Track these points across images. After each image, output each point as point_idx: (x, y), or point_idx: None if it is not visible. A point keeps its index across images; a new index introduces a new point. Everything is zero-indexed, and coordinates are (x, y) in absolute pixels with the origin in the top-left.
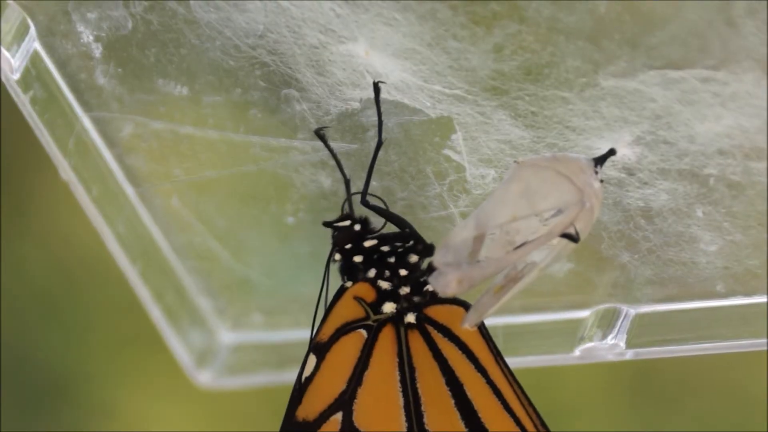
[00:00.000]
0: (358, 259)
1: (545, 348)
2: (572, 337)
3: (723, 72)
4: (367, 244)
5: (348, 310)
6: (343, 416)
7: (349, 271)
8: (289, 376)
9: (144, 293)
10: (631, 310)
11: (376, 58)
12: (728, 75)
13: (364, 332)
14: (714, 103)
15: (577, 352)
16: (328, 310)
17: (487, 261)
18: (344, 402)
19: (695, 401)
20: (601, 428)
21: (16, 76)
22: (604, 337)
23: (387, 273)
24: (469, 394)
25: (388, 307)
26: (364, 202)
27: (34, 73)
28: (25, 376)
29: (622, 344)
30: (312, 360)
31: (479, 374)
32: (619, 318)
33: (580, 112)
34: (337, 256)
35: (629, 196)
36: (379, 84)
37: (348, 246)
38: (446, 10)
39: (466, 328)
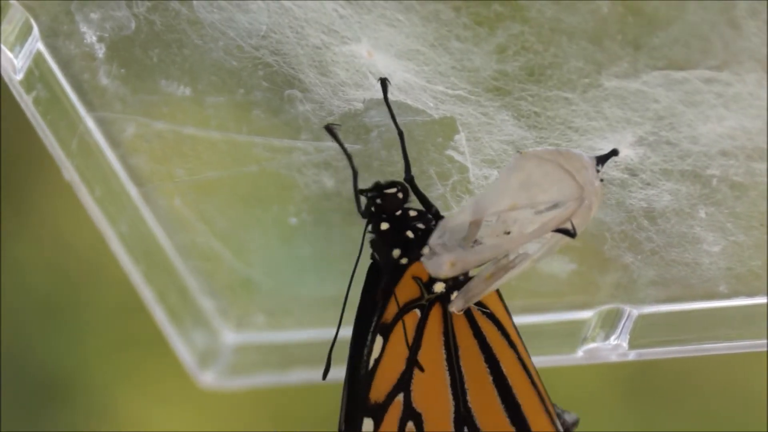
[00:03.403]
0: (410, 234)
1: (548, 349)
2: (575, 338)
3: (726, 73)
4: (412, 213)
5: (408, 290)
6: (404, 398)
7: (401, 246)
8: (292, 377)
9: (147, 294)
10: (634, 311)
11: (379, 59)
12: (731, 76)
13: (418, 312)
14: (717, 104)
15: (580, 353)
16: (374, 290)
17: (482, 246)
18: (404, 383)
19: (695, 401)
20: (600, 428)
21: (19, 77)
22: (607, 337)
23: None
24: (505, 370)
25: (439, 287)
26: (408, 179)
27: (37, 74)
28: (25, 377)
29: (625, 345)
30: (379, 341)
31: (512, 351)
32: (622, 319)
33: (583, 112)
34: (384, 225)
35: (632, 197)
36: (386, 80)
37: (397, 213)
38: (449, 11)
39: (452, 311)
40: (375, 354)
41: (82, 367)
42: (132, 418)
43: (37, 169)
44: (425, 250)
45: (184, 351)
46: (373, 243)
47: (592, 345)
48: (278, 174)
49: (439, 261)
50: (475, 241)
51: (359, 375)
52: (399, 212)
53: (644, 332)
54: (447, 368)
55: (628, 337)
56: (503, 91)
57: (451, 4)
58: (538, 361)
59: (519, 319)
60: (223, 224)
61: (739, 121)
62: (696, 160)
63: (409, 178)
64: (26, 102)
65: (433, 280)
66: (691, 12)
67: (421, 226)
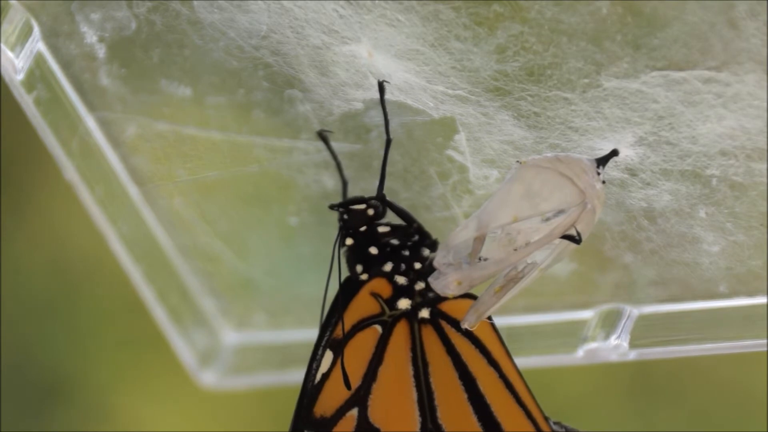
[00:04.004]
0: (373, 251)
1: (549, 348)
2: (575, 338)
3: (725, 73)
4: (381, 229)
5: (364, 306)
6: (359, 412)
7: (363, 262)
8: (293, 377)
9: (147, 293)
10: (635, 311)
11: (379, 59)
12: (730, 76)
13: (379, 328)
14: (716, 104)
15: (580, 353)
16: (338, 304)
17: (487, 262)
18: (359, 398)
19: (695, 401)
20: (600, 428)
21: (20, 77)
22: (608, 337)
23: (402, 267)
24: (481, 388)
25: (404, 303)
26: (380, 197)
27: (37, 74)
28: (25, 377)
29: (626, 345)
30: (328, 356)
31: (492, 368)
32: (623, 318)
33: (583, 112)
34: (349, 241)
35: (632, 197)
36: (384, 83)
37: (362, 228)
38: (449, 12)
39: (466, 327)
40: (324, 369)
41: (81, 366)
42: (132, 418)
43: (37, 169)
44: (387, 266)
45: (184, 351)
46: (345, 255)
47: (592, 345)
48: (278, 174)
49: (446, 281)
50: (480, 257)
51: (306, 388)
52: (363, 228)
53: (644, 332)
54: (414, 384)
55: (628, 336)
56: (503, 91)
57: (450, 4)
58: (538, 361)
59: (519, 319)
60: (223, 224)
61: (738, 121)
62: (696, 160)
63: (381, 196)
64: (27, 102)
65: (396, 297)
66: (691, 12)
67: (394, 242)
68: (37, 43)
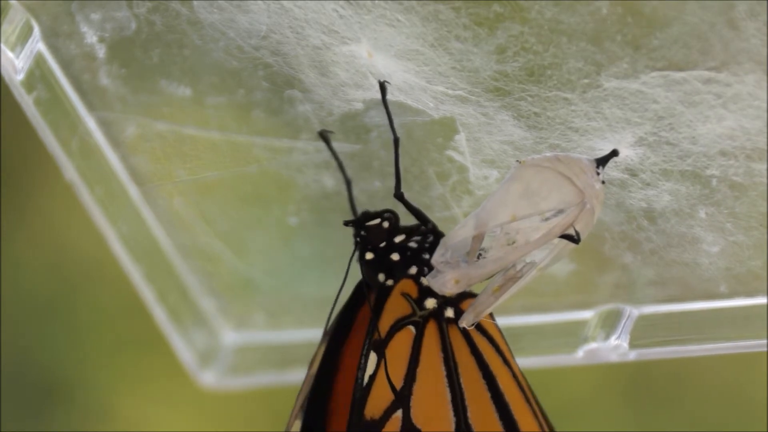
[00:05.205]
0: (395, 257)
1: (548, 349)
2: (575, 338)
3: (725, 73)
4: (398, 240)
5: (397, 308)
6: (403, 413)
7: (386, 270)
8: (293, 377)
9: (147, 294)
10: (634, 311)
11: (379, 59)
12: (730, 76)
13: (412, 329)
14: (716, 104)
15: (580, 353)
16: (351, 308)
17: (485, 260)
18: (403, 399)
19: (695, 401)
20: (599, 428)
21: (20, 77)
22: (607, 337)
23: (426, 269)
24: (501, 387)
25: (430, 303)
26: (398, 195)
27: (37, 74)
28: (25, 377)
29: (625, 345)
30: (373, 358)
31: (507, 368)
32: (622, 318)
33: (583, 113)
34: (369, 255)
35: (632, 197)
36: (385, 83)
37: (383, 245)
38: (449, 12)
39: (464, 326)
40: (369, 371)
41: (81, 366)
42: (131, 418)
43: (37, 169)
44: (412, 269)
45: (184, 351)
46: (362, 268)
47: (592, 345)
48: (278, 174)
49: (444, 279)
50: (479, 256)
51: (355, 391)
52: (383, 244)
53: (644, 332)
54: (447, 384)
55: (628, 337)
56: (503, 92)
57: (450, 4)
58: (538, 361)
59: (519, 319)
60: (223, 224)
61: (738, 122)
62: (695, 160)
63: (399, 194)
64: (27, 102)
65: (424, 296)
66: (691, 13)
67: (412, 245)
68: (37, 44)
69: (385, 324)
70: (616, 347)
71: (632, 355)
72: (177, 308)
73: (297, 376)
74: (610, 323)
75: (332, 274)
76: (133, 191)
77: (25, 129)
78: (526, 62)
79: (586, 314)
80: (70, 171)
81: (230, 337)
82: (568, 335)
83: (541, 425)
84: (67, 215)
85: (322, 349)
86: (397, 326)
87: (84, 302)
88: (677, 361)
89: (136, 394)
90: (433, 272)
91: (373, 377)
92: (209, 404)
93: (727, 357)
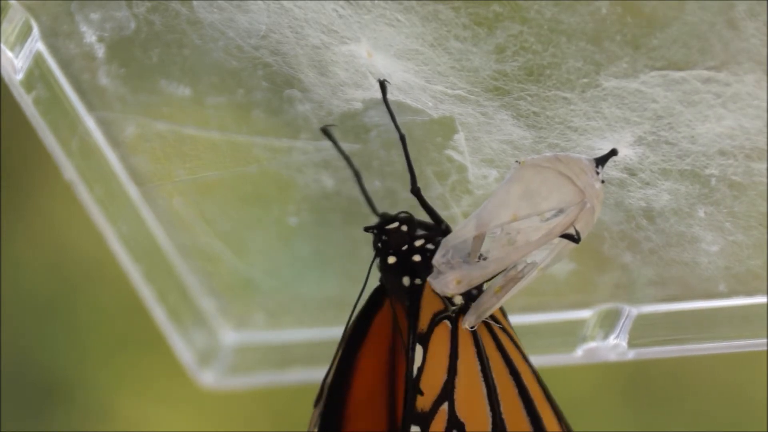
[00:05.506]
0: (417, 258)
1: (547, 348)
2: (574, 337)
3: (724, 73)
4: (418, 243)
5: (432, 304)
6: (449, 407)
7: (410, 272)
8: (292, 377)
9: (147, 293)
10: (633, 310)
11: (379, 59)
12: (729, 76)
13: (448, 323)
14: (715, 104)
15: (579, 352)
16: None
17: (487, 261)
18: (448, 392)
19: (694, 400)
20: (599, 428)
21: (20, 77)
22: (606, 337)
23: None
24: (525, 383)
25: (458, 299)
26: (415, 191)
27: (37, 74)
28: (25, 377)
29: (624, 344)
30: (419, 351)
31: (527, 365)
32: (621, 318)
33: (582, 112)
34: (391, 259)
35: (631, 197)
36: (385, 82)
37: (404, 247)
38: (448, 11)
39: (465, 328)
40: (417, 363)
41: (81, 367)
42: (131, 418)
43: (37, 169)
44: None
45: (183, 351)
46: (382, 273)
47: (591, 344)
48: (278, 174)
49: (445, 280)
50: (480, 256)
51: (408, 383)
52: (405, 247)
53: (643, 331)
54: (482, 379)
55: (627, 336)
56: (502, 91)
57: (450, 4)
58: (538, 360)
59: (519, 319)
60: (223, 224)
61: (737, 121)
62: (695, 159)
63: (416, 189)
64: (26, 102)
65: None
66: (690, 12)
67: (430, 246)
68: (37, 43)
69: (425, 317)
70: (615, 346)
71: (631, 355)
72: (177, 308)
73: (297, 376)
74: (609, 322)
75: (332, 274)
76: (132, 191)
77: (25, 129)
78: (526, 62)
79: (585, 313)
80: (69, 171)
81: (230, 337)
82: (567, 334)
83: (561, 424)
84: (66, 215)
85: (339, 354)
86: (435, 321)
87: (84, 302)
88: (676, 361)
89: (136, 394)
90: (434, 273)
91: (420, 370)
92: (209, 404)
93: (726, 356)
